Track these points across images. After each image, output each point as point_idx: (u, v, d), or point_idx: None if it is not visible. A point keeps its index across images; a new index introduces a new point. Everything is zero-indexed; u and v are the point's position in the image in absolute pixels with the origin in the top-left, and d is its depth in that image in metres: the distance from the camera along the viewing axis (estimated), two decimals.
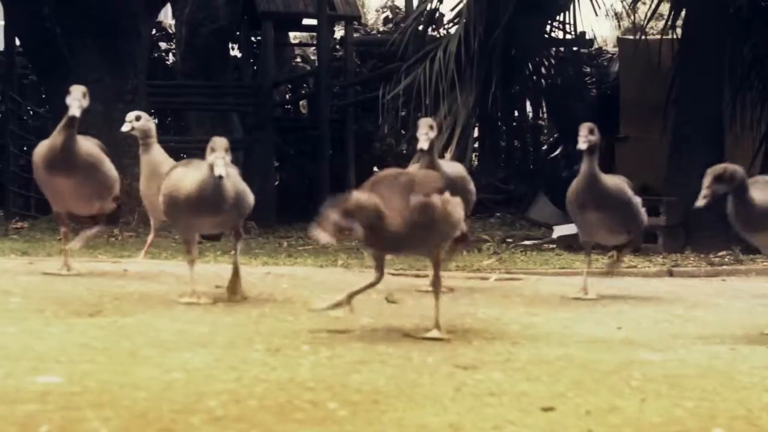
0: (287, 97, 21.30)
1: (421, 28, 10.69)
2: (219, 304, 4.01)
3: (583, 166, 4.81)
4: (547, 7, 10.47)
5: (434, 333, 3.47)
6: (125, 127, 5.98)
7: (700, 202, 3.83)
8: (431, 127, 4.57)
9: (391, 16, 21.35)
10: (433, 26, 10.89)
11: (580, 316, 4.23)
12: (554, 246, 10.34)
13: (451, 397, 2.61)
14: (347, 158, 17.62)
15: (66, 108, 4.67)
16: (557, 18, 10.85)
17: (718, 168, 3.91)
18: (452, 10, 10.69)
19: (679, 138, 9.90)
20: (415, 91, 10.38)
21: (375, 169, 21.14)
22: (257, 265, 6.48)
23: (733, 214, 3.92)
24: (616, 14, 11.49)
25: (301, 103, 22.38)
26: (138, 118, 6.00)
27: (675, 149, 9.88)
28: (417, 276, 5.62)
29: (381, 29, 22.68)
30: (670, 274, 8.08)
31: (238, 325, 3.57)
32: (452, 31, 10.67)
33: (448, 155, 9.96)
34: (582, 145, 4.67)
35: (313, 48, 23.41)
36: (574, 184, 4.94)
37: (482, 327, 3.81)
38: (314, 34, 22.46)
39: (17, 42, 16.36)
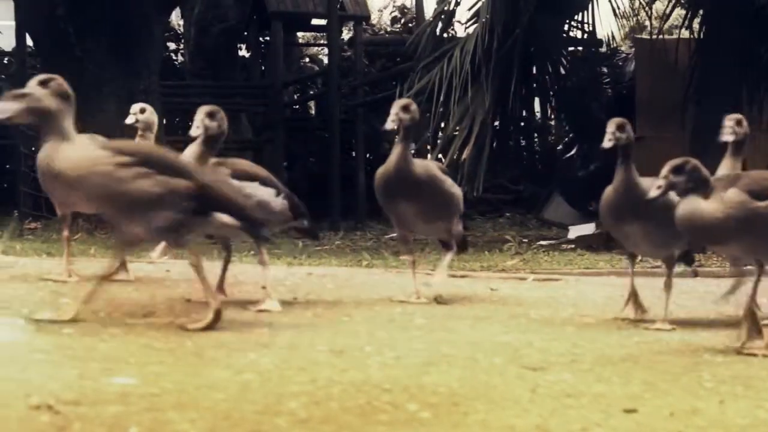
0: (295, 97, 21.28)
1: (439, 27, 10.65)
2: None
3: (618, 173, 4.20)
4: (567, 6, 10.45)
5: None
6: (129, 119, 5.93)
7: (654, 193, 3.64)
8: (405, 109, 4.31)
9: (399, 16, 21.31)
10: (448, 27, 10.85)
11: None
12: (573, 246, 10.32)
13: (529, 399, 2.60)
14: (356, 158, 17.61)
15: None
16: (575, 17, 10.83)
17: (679, 159, 3.76)
18: (469, 9, 10.66)
19: (698, 138, 9.87)
20: (429, 91, 10.36)
21: None
22: (282, 265, 6.45)
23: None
24: (618, 14, 11.43)
25: (308, 103, 22.37)
26: (143, 111, 5.96)
27: (695, 149, 9.83)
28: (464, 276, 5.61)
29: (389, 29, 22.65)
30: (695, 274, 8.05)
31: (294, 326, 3.55)
32: (470, 30, 10.64)
33: (465, 154, 9.96)
34: (607, 143, 4.15)
35: (321, 48, 23.40)
36: (608, 194, 4.25)
37: (536, 327, 3.80)
38: (322, 34, 22.46)
39: (28, 42, 16.35)
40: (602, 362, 3.12)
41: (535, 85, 10.69)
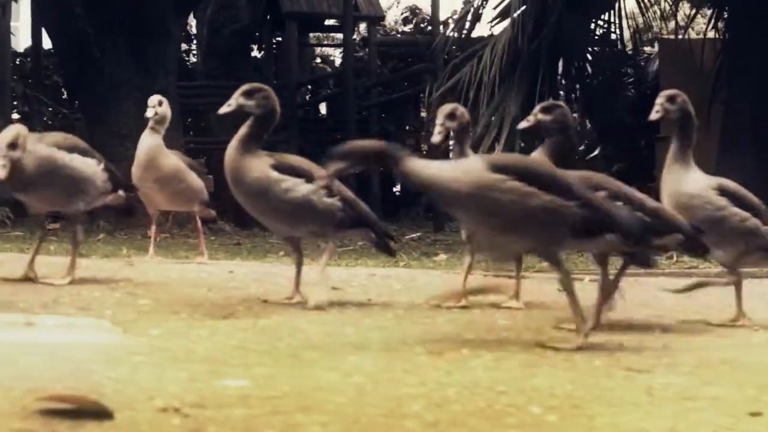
0: (307, 98, 21.24)
1: (466, 27, 10.62)
2: (349, 306, 3.96)
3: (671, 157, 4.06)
4: (593, 5, 10.43)
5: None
6: (149, 113, 5.90)
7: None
8: (450, 116, 4.16)
9: (411, 17, 21.28)
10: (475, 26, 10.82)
11: (708, 316, 4.19)
12: None
13: (649, 401, 2.56)
14: None
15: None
16: (601, 17, 10.80)
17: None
18: (495, 8, 10.63)
19: (727, 139, 9.86)
20: (458, 91, 10.34)
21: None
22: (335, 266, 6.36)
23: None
24: (646, 14, 11.40)
25: (318, 104, 22.33)
26: (161, 103, 5.96)
27: (724, 150, 9.84)
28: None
29: (400, 30, 22.61)
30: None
31: (380, 328, 3.51)
32: (496, 30, 10.62)
33: (496, 152, 9.92)
34: (654, 115, 4.05)
35: (334, 48, 23.37)
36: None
37: (619, 329, 3.76)
38: (333, 34, 22.43)
39: (43, 43, 16.30)
40: (701, 365, 3.08)
41: (563, 82, 10.68)
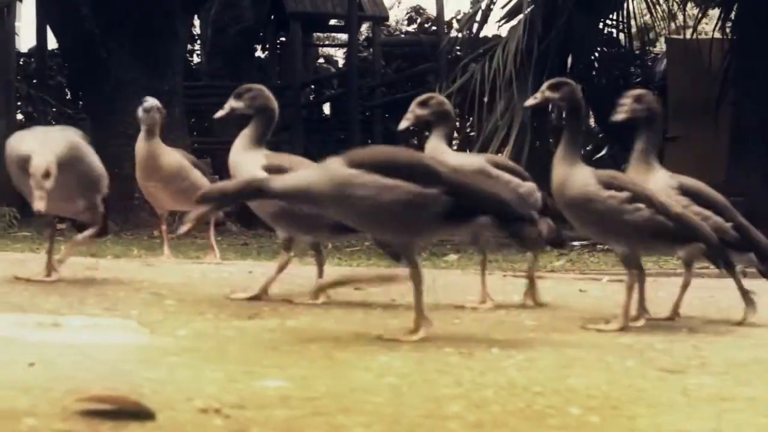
0: (311, 98, 21.23)
1: (475, 27, 10.61)
2: (375, 307, 3.95)
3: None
4: (604, 5, 10.42)
5: None
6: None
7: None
8: (422, 104, 4.11)
9: (415, 17, 21.27)
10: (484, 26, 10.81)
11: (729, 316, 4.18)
12: (608, 246, 10.27)
13: (686, 403, 2.55)
14: None
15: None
16: (610, 16, 10.79)
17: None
18: (503, 8, 10.62)
19: (738, 139, 9.85)
20: (469, 90, 10.33)
21: None
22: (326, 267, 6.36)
23: None
24: (655, 14, 11.39)
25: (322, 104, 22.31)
26: (159, 110, 5.92)
27: (734, 150, 9.83)
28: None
29: (404, 29, 22.61)
30: (744, 275, 8.01)
31: (408, 328, 3.49)
32: (504, 29, 10.61)
33: (506, 152, 9.92)
34: (619, 115, 3.98)
35: (337, 48, 23.37)
36: None
37: (647, 329, 3.74)
38: (337, 34, 22.42)
39: (48, 43, 16.29)
40: (733, 364, 3.07)
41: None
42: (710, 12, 11.66)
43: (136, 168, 5.88)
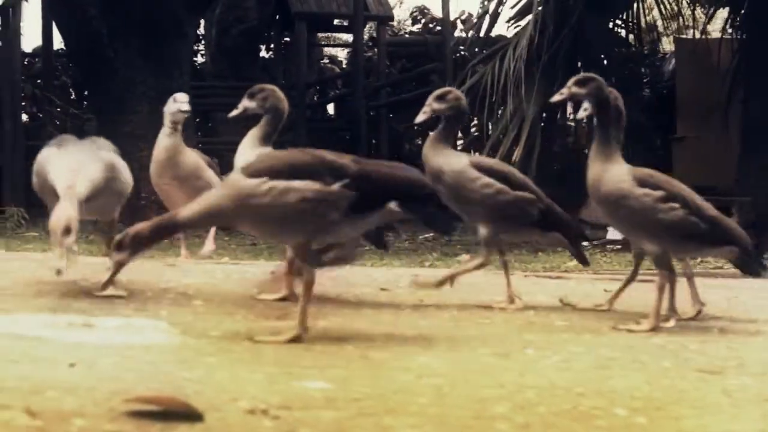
0: (315, 98, 21.22)
1: (485, 27, 10.61)
2: (403, 308, 3.93)
3: None
4: (614, 5, 10.41)
5: None
6: (185, 107, 5.72)
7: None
8: (440, 98, 4.05)
9: (419, 17, 21.26)
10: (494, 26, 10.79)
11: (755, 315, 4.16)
12: (619, 246, 10.27)
13: (730, 404, 2.54)
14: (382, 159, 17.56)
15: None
16: (620, 16, 10.78)
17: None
18: (512, 7, 10.61)
19: (748, 138, 9.84)
20: (480, 90, 10.33)
21: None
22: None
23: None
24: (664, 14, 11.39)
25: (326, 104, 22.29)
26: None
27: (745, 150, 9.82)
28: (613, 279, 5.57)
29: (408, 29, 22.60)
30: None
31: (439, 328, 3.49)
32: (514, 30, 10.60)
33: (516, 153, 9.91)
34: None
35: (341, 48, 23.35)
36: None
37: (676, 329, 3.73)
38: (339, 33, 22.40)
39: (54, 43, 16.27)
40: None
41: None
42: (718, 12, 11.64)
43: (153, 165, 5.85)
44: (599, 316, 3.92)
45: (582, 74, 3.84)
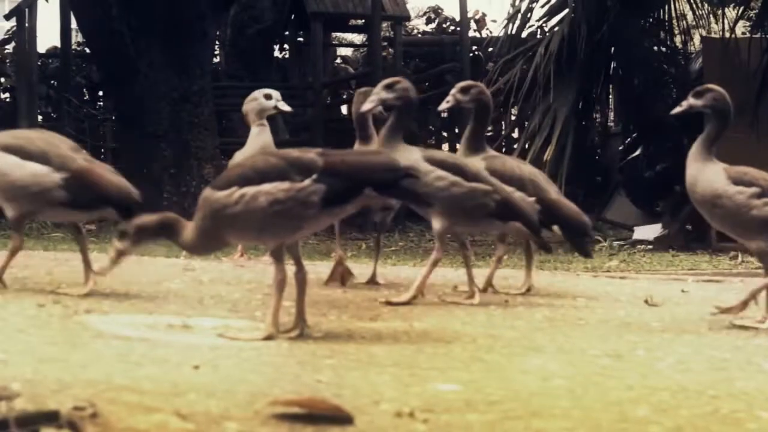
0: (329, 98, 21.14)
1: (517, 25, 10.55)
2: (491, 307, 3.89)
3: None
4: (649, 4, 10.37)
5: None
6: (282, 105, 5.48)
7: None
8: (388, 87, 3.86)
9: (433, 17, 21.21)
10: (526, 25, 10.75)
11: None
12: (650, 246, 10.24)
13: None
14: None
15: None
16: (654, 15, 10.74)
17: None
18: (542, 6, 10.56)
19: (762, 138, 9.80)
20: (507, 89, 10.30)
21: None
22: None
23: None
24: (696, 14, 11.36)
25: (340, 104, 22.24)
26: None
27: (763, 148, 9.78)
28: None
29: (422, 29, 22.55)
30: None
31: (539, 329, 3.45)
32: (545, 27, 10.57)
33: (547, 154, 9.87)
34: (444, 105, 4.25)
35: (356, 48, 23.29)
36: None
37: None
38: (355, 35, 22.36)
39: (70, 43, 16.21)
40: None
41: (617, 84, 10.64)
42: (747, 11, 11.60)
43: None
44: (688, 317, 3.87)
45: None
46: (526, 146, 9.90)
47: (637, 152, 12.45)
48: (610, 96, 12.46)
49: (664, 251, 9.68)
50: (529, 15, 10.41)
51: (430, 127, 20.63)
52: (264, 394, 2.28)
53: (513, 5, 10.41)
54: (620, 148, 13.10)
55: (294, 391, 2.32)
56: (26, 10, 16.29)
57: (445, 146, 20.99)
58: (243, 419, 2.09)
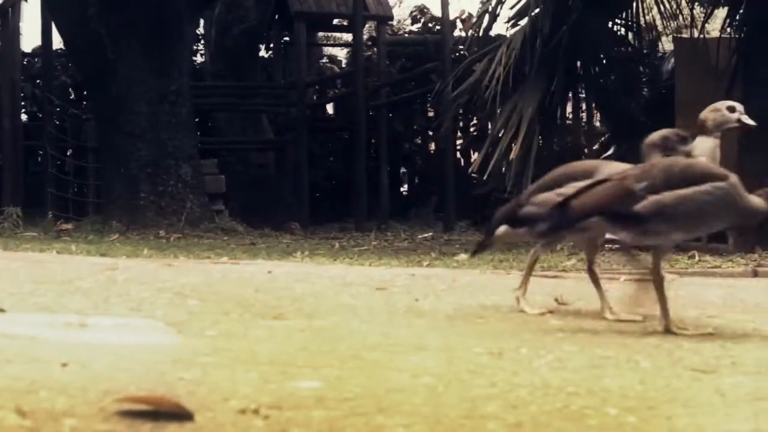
0: (314, 97, 21.19)
1: (484, 26, 10.59)
2: (399, 306, 3.94)
3: None
4: (614, 3, 10.40)
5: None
6: (746, 119, 5.23)
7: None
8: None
9: (419, 16, 21.25)
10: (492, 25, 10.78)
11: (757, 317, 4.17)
12: (616, 246, 10.26)
13: (723, 402, 2.54)
14: (379, 159, 17.53)
15: None
16: (620, 15, 10.78)
17: None
18: (511, 8, 10.60)
19: (748, 138, 9.80)
20: (472, 90, 10.33)
21: (403, 170, 21.12)
22: (344, 266, 6.36)
23: None
24: (665, 14, 11.39)
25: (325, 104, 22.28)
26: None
27: (745, 149, 9.81)
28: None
29: (407, 29, 22.60)
30: (755, 274, 8.00)
31: (435, 328, 3.49)
32: (513, 30, 10.59)
33: (513, 153, 9.91)
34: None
35: (340, 47, 23.35)
36: None
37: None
38: (339, 33, 22.41)
39: (53, 43, 16.25)
40: (766, 365, 3.06)
41: (583, 84, 10.66)
42: (716, 11, 11.63)
43: None
44: (588, 314, 3.92)
45: None
46: (489, 150, 9.92)
47: (610, 152, 12.51)
48: (580, 94, 12.52)
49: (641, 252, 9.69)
50: (498, 14, 10.44)
51: (415, 126, 20.69)
52: (119, 391, 2.32)
53: (481, 5, 10.44)
54: (595, 147, 13.18)
55: (151, 389, 2.37)
56: (9, 9, 16.34)
57: (432, 145, 21.07)
58: (84, 416, 2.14)
